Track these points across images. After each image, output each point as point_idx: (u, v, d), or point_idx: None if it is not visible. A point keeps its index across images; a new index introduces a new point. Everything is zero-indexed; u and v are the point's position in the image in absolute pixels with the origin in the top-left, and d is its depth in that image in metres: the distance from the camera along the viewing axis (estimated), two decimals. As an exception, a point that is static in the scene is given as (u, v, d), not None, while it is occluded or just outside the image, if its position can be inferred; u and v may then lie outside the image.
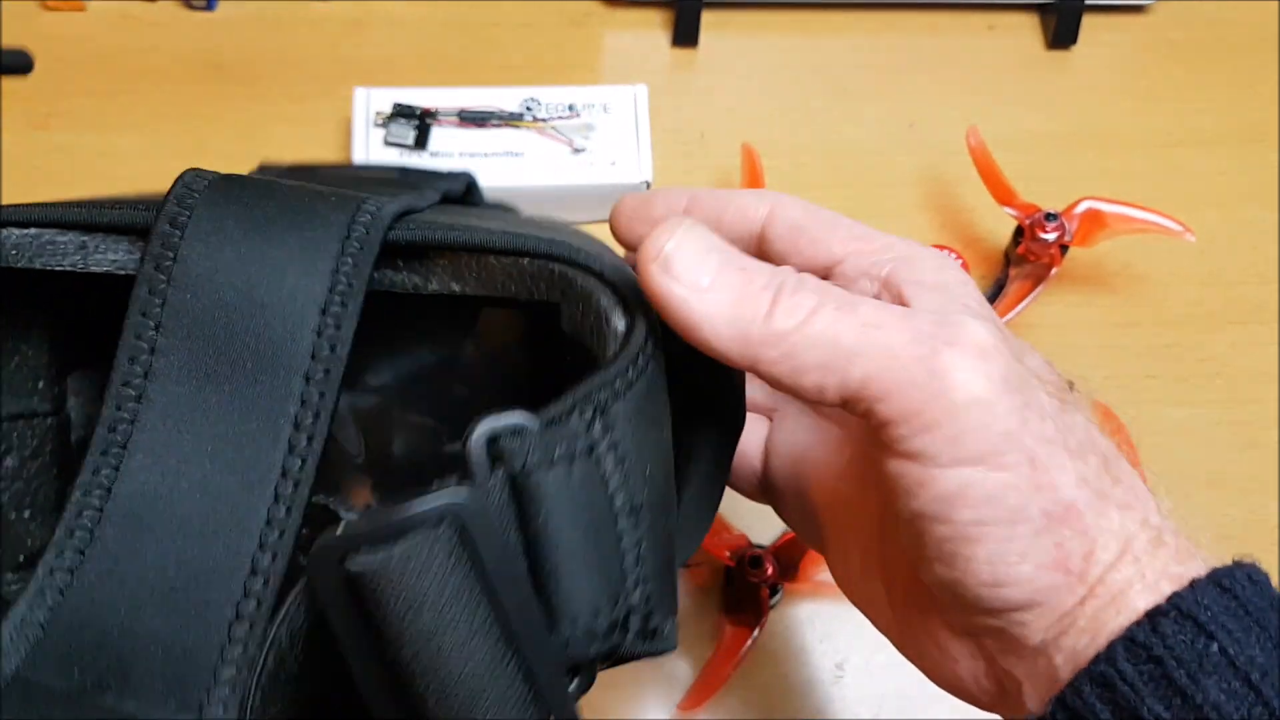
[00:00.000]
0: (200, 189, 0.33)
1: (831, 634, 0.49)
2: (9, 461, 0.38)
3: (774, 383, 0.30)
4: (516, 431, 0.28)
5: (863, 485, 0.34)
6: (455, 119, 0.57)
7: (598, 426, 0.29)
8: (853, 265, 0.33)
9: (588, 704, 0.46)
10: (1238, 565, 0.30)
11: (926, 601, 0.32)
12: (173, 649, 0.29)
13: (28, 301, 0.36)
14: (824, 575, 0.48)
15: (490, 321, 0.41)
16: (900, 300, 0.31)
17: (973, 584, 0.29)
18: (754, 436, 0.38)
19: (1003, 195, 0.56)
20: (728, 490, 0.37)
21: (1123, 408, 0.53)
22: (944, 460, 0.29)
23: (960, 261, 0.53)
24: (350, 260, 0.32)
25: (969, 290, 0.32)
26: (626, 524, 0.30)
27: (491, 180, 0.55)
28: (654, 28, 0.64)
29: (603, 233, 0.58)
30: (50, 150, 0.59)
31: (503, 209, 0.40)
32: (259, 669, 0.29)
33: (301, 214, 0.33)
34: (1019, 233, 0.56)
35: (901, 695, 0.47)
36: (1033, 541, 0.29)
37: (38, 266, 0.33)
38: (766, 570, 0.47)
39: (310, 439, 0.31)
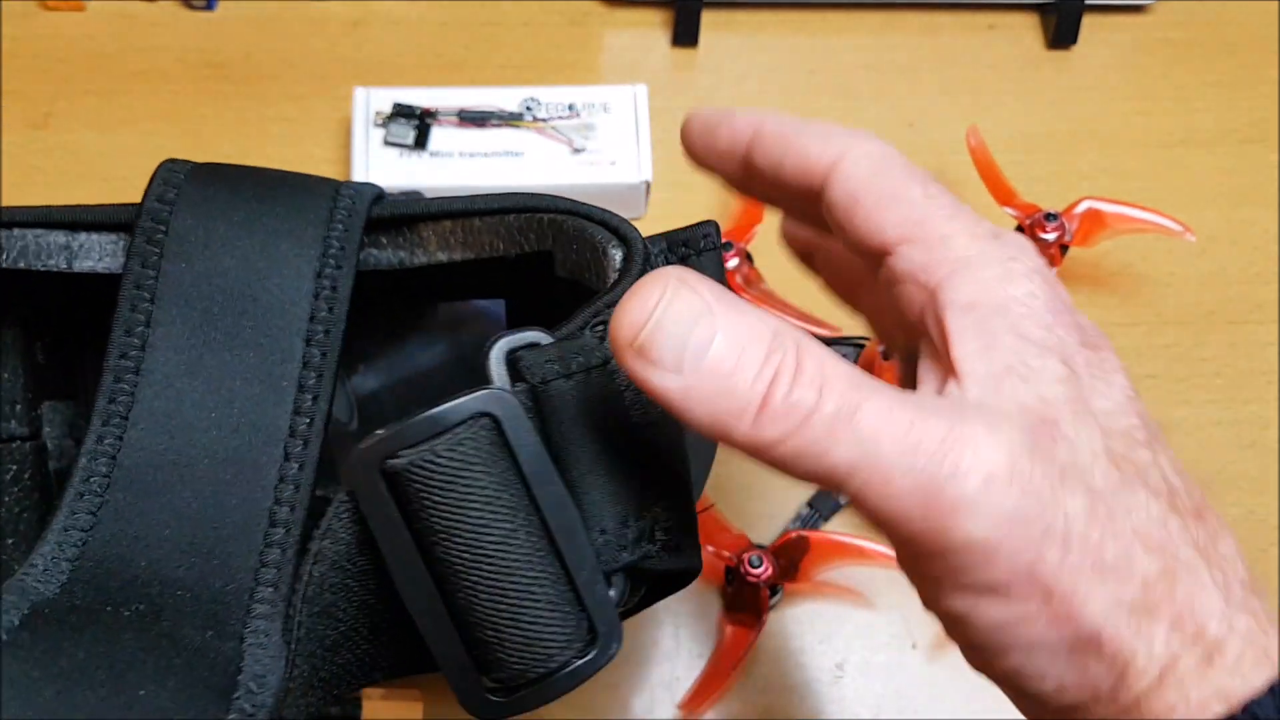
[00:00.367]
0: (183, 171, 0.33)
1: (831, 634, 0.49)
2: None
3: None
4: (533, 345, 0.29)
5: None
6: (455, 119, 0.57)
7: (609, 342, 0.29)
8: (903, 261, 0.29)
9: (588, 705, 0.46)
10: None
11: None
12: (201, 594, 0.29)
13: (2, 323, 0.36)
14: (824, 575, 0.48)
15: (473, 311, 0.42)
16: (942, 336, 0.28)
17: (999, 679, 0.28)
18: None
19: (1003, 195, 0.56)
20: (726, 491, 0.37)
21: (1123, 408, 0.53)
22: (948, 586, 0.27)
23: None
24: (340, 225, 0.33)
25: (1034, 307, 0.28)
26: (644, 436, 0.30)
27: (491, 180, 0.55)
28: (654, 28, 0.64)
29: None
30: (50, 150, 0.59)
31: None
32: (302, 589, 0.29)
33: (285, 187, 0.33)
34: (1019, 232, 0.56)
35: (901, 695, 0.47)
36: (1053, 664, 0.27)
37: (22, 267, 0.33)
38: (766, 570, 0.47)
39: (315, 398, 0.32)
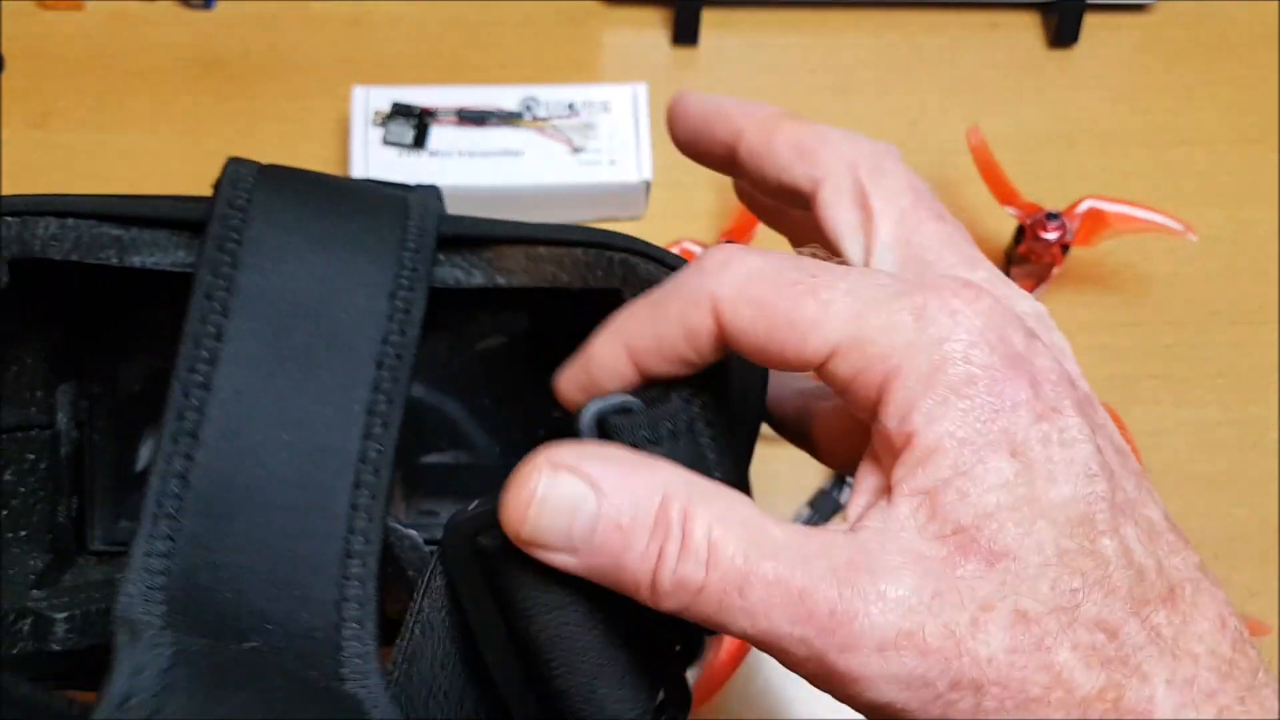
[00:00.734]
0: (250, 174, 0.32)
1: (832, 635, 0.49)
2: (8, 476, 0.37)
3: None
4: (623, 410, 0.29)
5: None
6: (454, 118, 0.56)
7: (696, 403, 0.29)
8: (838, 375, 0.28)
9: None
10: None
11: None
12: (291, 629, 0.29)
13: (30, 303, 0.36)
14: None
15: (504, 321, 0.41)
16: (885, 447, 0.27)
17: None
18: None
19: (1004, 195, 0.56)
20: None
21: (1123, 408, 0.53)
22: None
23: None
24: (413, 244, 0.32)
25: (974, 395, 0.26)
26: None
27: (491, 180, 0.55)
28: (654, 27, 0.64)
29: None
30: (49, 149, 0.59)
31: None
32: (406, 643, 0.28)
33: (357, 201, 0.33)
34: (1020, 232, 0.56)
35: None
36: None
37: (74, 260, 0.32)
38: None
39: (386, 424, 0.31)
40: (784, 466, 0.51)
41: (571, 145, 0.56)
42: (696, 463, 0.29)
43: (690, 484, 0.27)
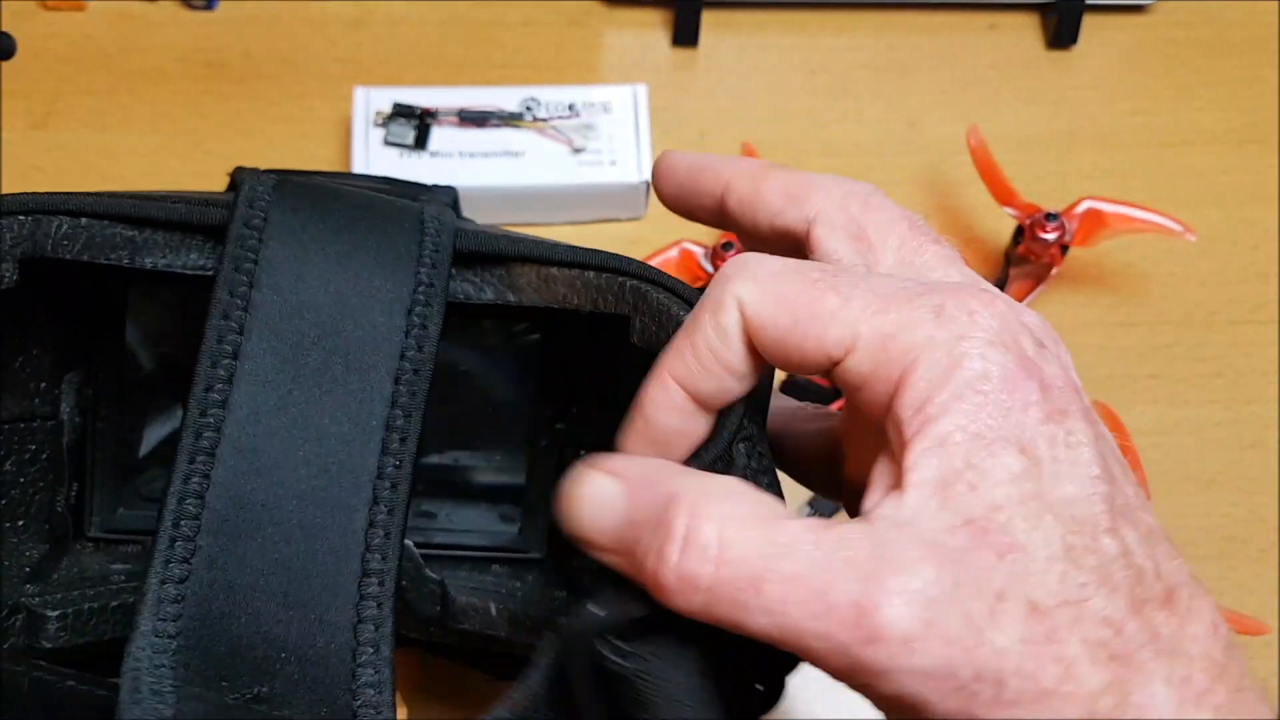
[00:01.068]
0: (266, 188, 0.32)
1: (831, 634, 0.49)
2: (9, 466, 0.37)
3: None
4: None
5: None
6: (455, 119, 0.57)
7: (755, 455, 0.30)
8: (852, 373, 0.28)
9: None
10: None
11: None
12: (305, 656, 0.29)
13: (39, 299, 0.36)
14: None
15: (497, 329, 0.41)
16: (899, 443, 0.27)
17: None
18: None
19: (1003, 195, 0.56)
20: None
21: (1123, 408, 0.53)
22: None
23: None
24: (429, 260, 0.32)
25: (988, 391, 0.27)
26: None
27: (491, 180, 0.55)
28: (654, 28, 0.64)
29: (603, 232, 0.58)
30: (50, 150, 0.59)
31: (506, 230, 0.40)
32: None
33: (374, 217, 0.33)
34: (1019, 233, 0.56)
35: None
36: None
37: (85, 259, 0.32)
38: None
39: (404, 439, 0.31)
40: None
41: (572, 146, 0.56)
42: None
43: (704, 483, 0.27)
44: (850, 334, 0.28)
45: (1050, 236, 0.55)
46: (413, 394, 0.31)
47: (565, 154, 0.56)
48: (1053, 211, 0.55)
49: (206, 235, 0.33)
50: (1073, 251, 0.56)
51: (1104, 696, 0.25)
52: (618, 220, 0.58)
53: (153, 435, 0.40)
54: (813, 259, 0.32)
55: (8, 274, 0.32)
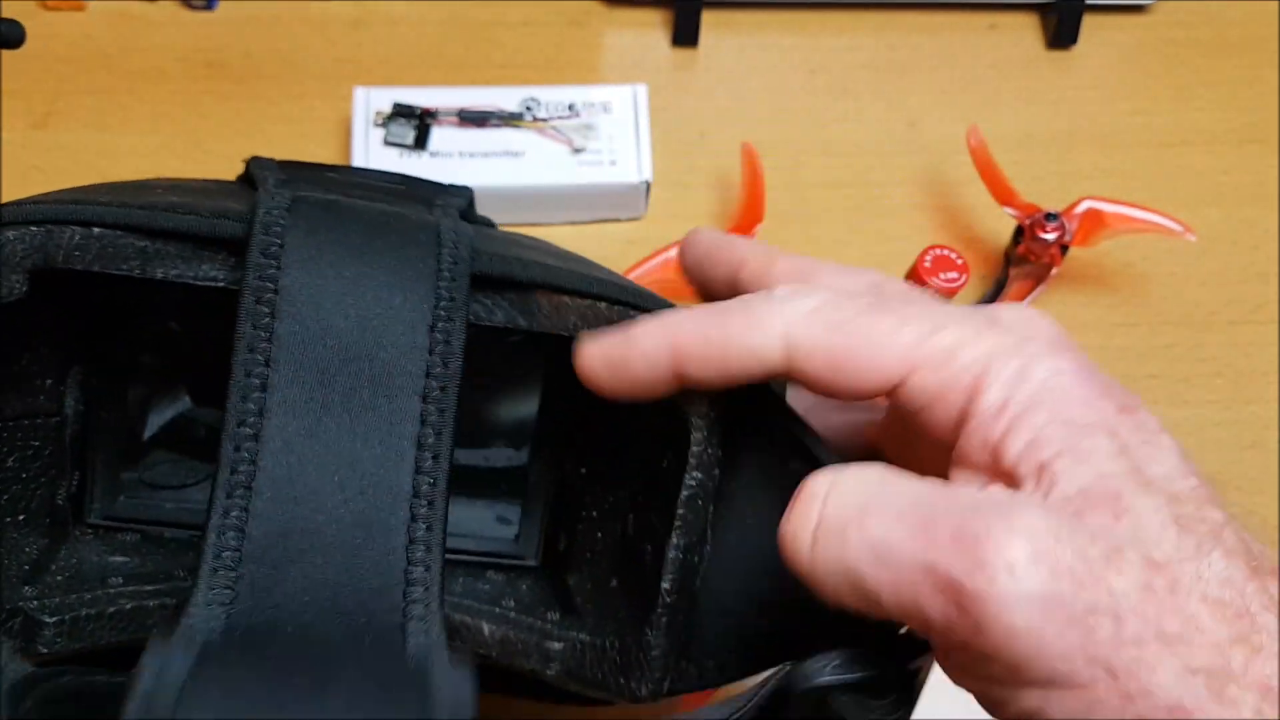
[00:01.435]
0: (280, 211, 0.32)
1: (831, 634, 0.49)
2: (11, 462, 0.37)
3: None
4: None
5: None
6: (455, 119, 0.57)
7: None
8: (917, 392, 0.29)
9: (587, 703, 0.46)
10: None
11: None
12: (358, 643, 0.30)
13: (46, 308, 0.36)
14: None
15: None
16: (989, 448, 0.28)
17: None
18: None
19: (1003, 195, 0.56)
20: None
21: (1123, 408, 0.53)
22: (1010, 684, 0.26)
23: (960, 275, 0.53)
24: (449, 275, 0.32)
25: (1064, 386, 0.27)
26: None
27: (491, 180, 0.55)
28: (654, 28, 0.64)
29: (603, 232, 0.58)
30: (50, 150, 0.59)
31: (519, 237, 0.40)
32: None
33: (390, 234, 0.33)
34: (1019, 233, 0.56)
35: (901, 695, 0.47)
36: None
37: (97, 270, 0.32)
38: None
39: (436, 457, 0.31)
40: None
41: (572, 146, 0.56)
42: None
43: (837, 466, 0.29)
44: (911, 355, 0.28)
45: (1050, 236, 0.55)
46: (441, 411, 0.32)
47: (565, 154, 0.56)
48: (1053, 211, 0.55)
49: (220, 246, 0.33)
50: (1073, 251, 0.56)
51: (1233, 649, 0.25)
52: (618, 220, 0.58)
53: (156, 419, 0.40)
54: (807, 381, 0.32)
55: (18, 285, 0.32)
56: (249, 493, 0.30)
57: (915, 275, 0.53)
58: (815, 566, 0.28)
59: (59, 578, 0.37)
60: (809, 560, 0.28)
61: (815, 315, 0.29)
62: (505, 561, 0.41)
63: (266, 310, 0.31)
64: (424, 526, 0.31)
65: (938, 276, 0.53)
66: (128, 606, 0.35)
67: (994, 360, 0.28)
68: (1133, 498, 0.26)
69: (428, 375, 0.32)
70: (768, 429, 0.35)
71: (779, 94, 0.62)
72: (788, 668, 0.30)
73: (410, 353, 0.31)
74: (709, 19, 0.63)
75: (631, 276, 0.52)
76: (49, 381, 0.38)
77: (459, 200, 0.37)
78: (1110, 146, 0.61)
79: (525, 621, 0.36)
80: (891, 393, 0.29)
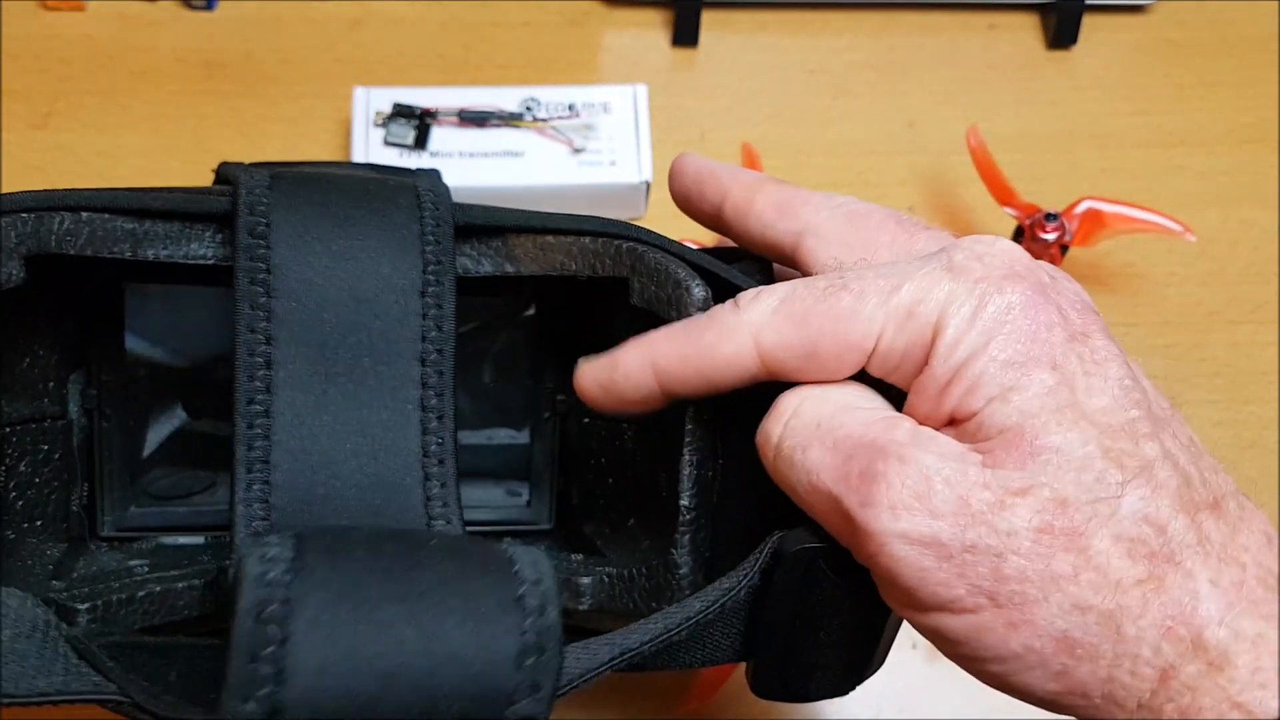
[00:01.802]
0: (261, 189, 0.33)
1: (831, 634, 0.49)
2: (23, 468, 0.37)
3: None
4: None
5: None
6: (455, 119, 0.57)
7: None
8: (884, 351, 0.30)
9: (588, 703, 0.46)
10: None
11: None
12: None
13: (43, 297, 0.36)
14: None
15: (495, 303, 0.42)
16: (935, 385, 0.29)
17: (1003, 689, 0.29)
18: None
19: (1003, 195, 0.56)
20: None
21: (1123, 408, 0.53)
22: (910, 607, 0.29)
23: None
24: (432, 238, 0.33)
25: (1012, 320, 0.28)
26: None
27: (491, 180, 0.55)
28: (654, 28, 0.64)
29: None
30: (50, 150, 0.59)
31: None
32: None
33: (373, 200, 0.33)
34: (1019, 233, 0.56)
35: (901, 695, 0.47)
36: (1032, 671, 0.27)
37: (89, 254, 0.33)
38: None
39: (441, 417, 0.32)
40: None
41: (572, 146, 0.56)
42: None
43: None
44: (873, 324, 0.29)
45: (1050, 236, 0.55)
46: (440, 373, 0.33)
47: (565, 154, 0.56)
48: (1053, 211, 0.55)
49: (207, 224, 0.33)
50: (1073, 251, 0.56)
51: (1134, 589, 0.26)
52: (618, 220, 0.58)
53: (155, 436, 0.40)
54: (804, 269, 0.33)
55: (15, 272, 0.32)
56: (268, 466, 0.31)
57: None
58: (775, 477, 0.30)
59: (84, 575, 0.37)
60: (771, 471, 0.30)
61: (777, 315, 0.30)
62: (520, 528, 0.41)
63: (262, 290, 0.32)
64: (439, 484, 0.32)
65: (938, 276, 0.53)
66: (157, 590, 0.35)
67: (948, 308, 0.29)
68: (1057, 434, 0.27)
69: (423, 340, 0.32)
70: None
71: (779, 94, 0.62)
72: (780, 534, 0.32)
73: (404, 319, 0.32)
74: (709, 19, 0.63)
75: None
76: (51, 384, 0.38)
77: (440, 184, 0.38)
78: (1110, 146, 0.61)
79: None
80: (868, 363, 0.30)
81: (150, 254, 0.33)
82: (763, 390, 0.31)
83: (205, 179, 0.38)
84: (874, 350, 0.29)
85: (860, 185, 0.60)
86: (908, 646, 0.48)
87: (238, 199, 0.32)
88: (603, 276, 0.35)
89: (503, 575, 0.28)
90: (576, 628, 0.36)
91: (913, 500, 0.27)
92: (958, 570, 0.27)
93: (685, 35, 0.63)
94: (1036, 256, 0.54)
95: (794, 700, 0.35)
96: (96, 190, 0.33)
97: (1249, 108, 0.63)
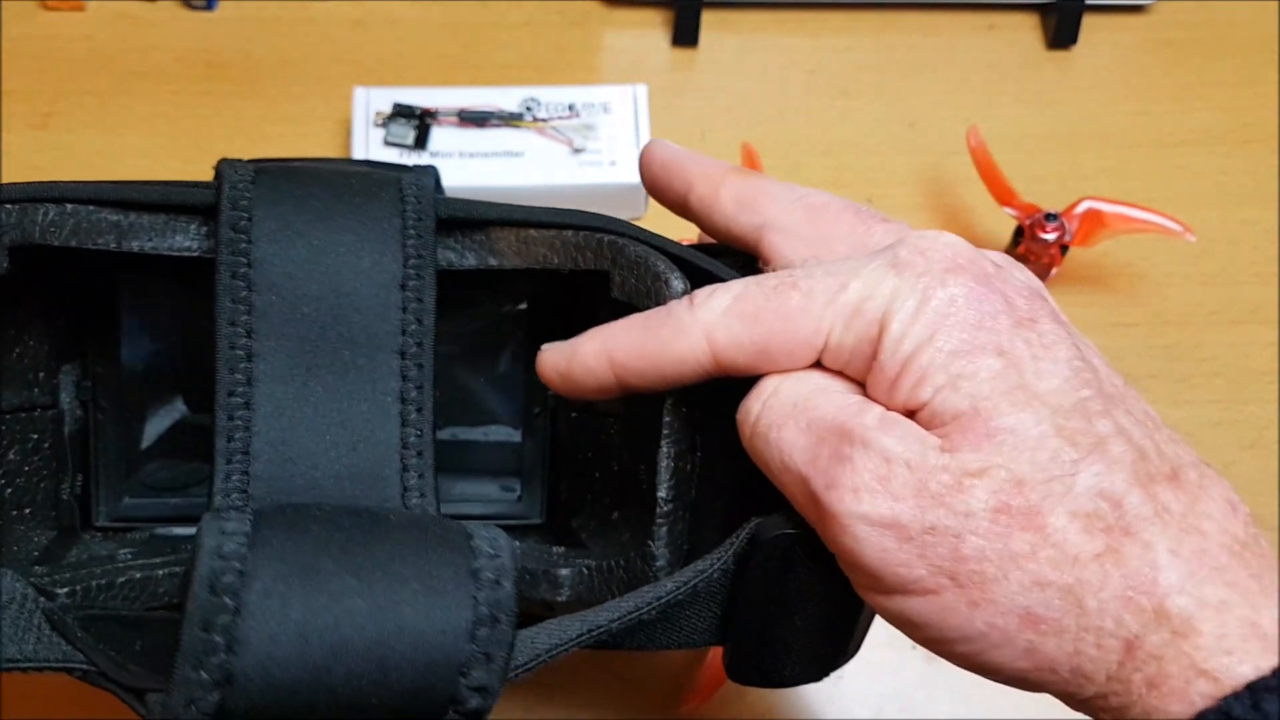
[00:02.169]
0: (244, 184, 0.33)
1: (831, 634, 0.49)
2: (12, 456, 0.38)
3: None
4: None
5: None
6: (455, 119, 0.57)
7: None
8: (833, 348, 0.31)
9: (588, 703, 0.46)
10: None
11: None
12: None
13: (31, 288, 0.36)
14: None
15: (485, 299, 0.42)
16: (885, 381, 0.29)
17: (975, 671, 0.29)
18: None
19: (1003, 195, 0.56)
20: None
21: (1123, 408, 0.53)
22: (875, 592, 0.29)
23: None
24: (414, 231, 0.33)
25: (956, 311, 0.29)
26: None
27: (491, 180, 0.56)
28: (654, 28, 0.64)
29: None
30: (50, 150, 0.59)
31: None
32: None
33: (354, 194, 0.33)
34: (1019, 233, 0.56)
35: (901, 695, 0.47)
36: (998, 651, 0.28)
37: (73, 245, 0.33)
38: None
39: (420, 409, 0.33)
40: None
41: (572, 146, 0.56)
42: None
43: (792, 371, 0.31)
44: (822, 322, 0.30)
45: (1050, 236, 0.55)
46: (420, 366, 0.33)
47: (565, 154, 0.56)
48: (1052, 211, 0.55)
49: (191, 216, 0.33)
50: (1072, 251, 0.56)
51: (1092, 563, 0.27)
52: (618, 220, 0.58)
53: (153, 428, 0.40)
54: (770, 267, 0.33)
55: (1, 262, 0.32)
56: (247, 457, 0.31)
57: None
58: (751, 453, 0.31)
59: (71, 562, 0.37)
60: (748, 447, 0.31)
61: (729, 313, 0.30)
62: (512, 523, 0.42)
63: (243, 284, 0.32)
64: (416, 475, 0.32)
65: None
66: (138, 576, 0.35)
67: (893, 303, 0.29)
68: (1010, 415, 0.28)
69: (403, 333, 0.33)
70: None
71: (779, 94, 0.62)
72: (757, 520, 0.32)
73: (384, 312, 0.33)
74: (709, 19, 0.63)
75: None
76: (41, 374, 0.38)
77: (425, 178, 0.38)
78: (1110, 146, 0.61)
79: (533, 554, 0.37)
80: (821, 359, 0.30)
81: (135, 245, 0.33)
82: (741, 384, 0.31)
83: (205, 179, 0.39)
84: (824, 347, 0.30)
85: (860, 185, 0.60)
86: (908, 646, 0.48)
87: (221, 192, 0.33)
88: (587, 270, 0.35)
89: (458, 549, 0.28)
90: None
91: (875, 483, 0.28)
92: (918, 551, 0.28)
93: (685, 35, 0.63)
94: (1037, 257, 0.55)
95: (768, 685, 0.35)
96: (81, 182, 0.33)
97: (1249, 108, 0.63)
